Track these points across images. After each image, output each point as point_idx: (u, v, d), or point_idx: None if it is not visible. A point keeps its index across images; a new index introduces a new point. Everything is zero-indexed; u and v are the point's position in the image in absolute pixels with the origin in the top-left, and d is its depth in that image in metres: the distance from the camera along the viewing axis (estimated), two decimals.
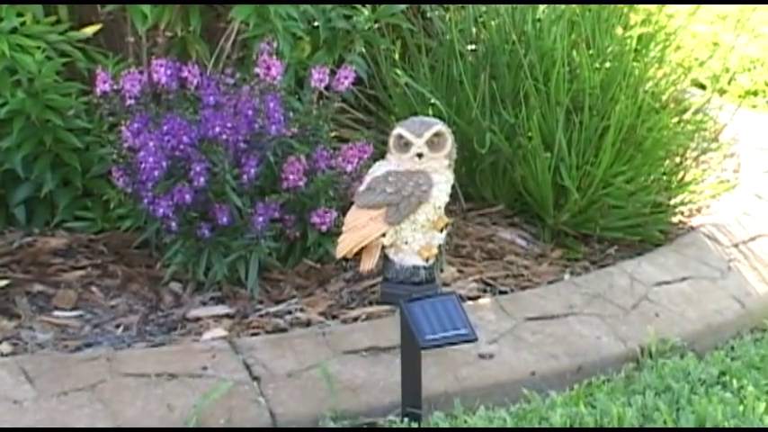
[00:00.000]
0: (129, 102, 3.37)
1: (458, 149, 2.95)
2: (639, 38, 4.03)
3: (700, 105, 4.19)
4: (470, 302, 3.35)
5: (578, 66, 3.88)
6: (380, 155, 3.02)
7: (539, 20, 4.02)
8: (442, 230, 2.91)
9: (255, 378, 2.97)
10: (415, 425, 2.87)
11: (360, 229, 2.87)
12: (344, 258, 3.02)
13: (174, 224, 3.29)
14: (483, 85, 3.89)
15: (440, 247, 2.93)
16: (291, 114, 3.52)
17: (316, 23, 3.88)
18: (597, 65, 3.91)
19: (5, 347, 3.12)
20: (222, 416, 2.86)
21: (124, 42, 3.74)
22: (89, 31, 3.67)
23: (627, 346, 3.27)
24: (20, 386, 2.87)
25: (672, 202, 4.00)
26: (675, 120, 4.07)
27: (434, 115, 3.77)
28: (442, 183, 2.88)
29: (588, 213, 3.83)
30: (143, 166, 3.25)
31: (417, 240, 2.88)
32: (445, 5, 4.24)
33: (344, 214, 2.96)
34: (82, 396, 2.86)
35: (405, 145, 2.86)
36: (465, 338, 2.86)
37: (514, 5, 4.01)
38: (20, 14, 3.51)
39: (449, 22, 4.10)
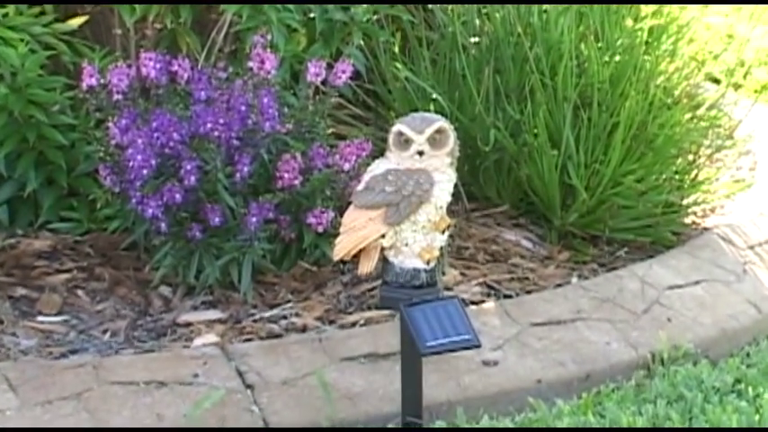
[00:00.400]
0: (116, 97, 3.38)
1: (460, 147, 2.95)
2: (651, 30, 4.03)
3: (714, 101, 4.19)
4: (473, 307, 3.36)
5: (587, 59, 3.89)
6: (379, 152, 3.03)
7: (545, 11, 4.03)
8: (443, 232, 2.91)
9: (249, 386, 2.98)
10: None
11: (358, 231, 2.87)
12: (342, 261, 3.02)
13: (163, 225, 3.29)
14: (487, 80, 3.89)
15: (441, 249, 2.94)
16: (286, 110, 3.52)
17: (312, 15, 3.88)
18: (606, 58, 3.92)
19: None
20: (214, 425, 2.86)
21: (111, 35, 3.74)
22: (75, 23, 3.68)
23: (637, 353, 3.28)
24: (2, 394, 2.88)
25: (684, 202, 4.01)
26: (688, 116, 4.07)
27: (436, 111, 3.77)
28: (444, 182, 2.88)
29: (597, 214, 3.84)
30: (131, 164, 3.25)
31: (418, 242, 2.88)
32: None
33: (342, 215, 2.97)
34: (67, 405, 2.87)
35: (405, 142, 2.87)
36: (468, 345, 2.86)
37: None
38: (2, 5, 3.51)
39: (451, 14, 4.10)
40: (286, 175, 3.35)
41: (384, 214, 2.86)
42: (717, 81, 4.74)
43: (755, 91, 5.58)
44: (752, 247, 3.90)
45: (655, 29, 4.07)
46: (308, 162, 3.41)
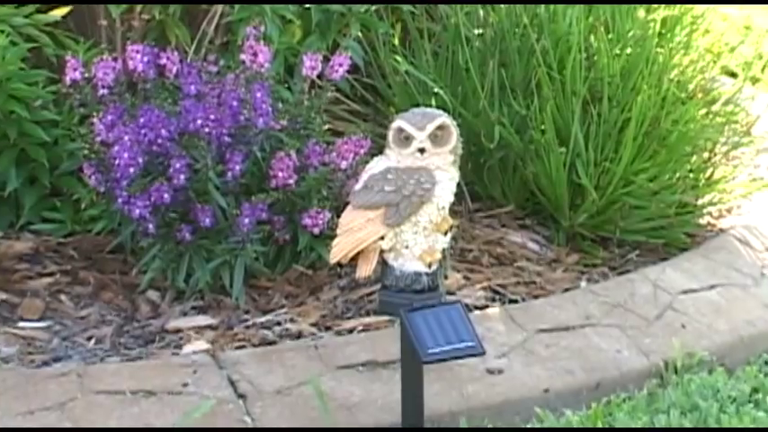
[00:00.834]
0: (101, 91, 3.38)
1: (464, 144, 2.95)
2: (664, 21, 4.04)
3: (730, 95, 4.20)
4: (477, 312, 3.36)
5: (596, 52, 3.89)
6: (378, 150, 3.03)
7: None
8: (446, 233, 2.92)
9: (241, 395, 2.98)
10: None
11: (356, 232, 2.88)
12: (339, 264, 3.02)
13: (151, 226, 3.30)
14: (491, 74, 3.90)
15: (444, 251, 2.94)
16: (280, 105, 3.53)
17: (307, 5, 3.88)
18: (617, 51, 3.92)
19: None
20: None
21: (96, 26, 3.75)
22: (58, 13, 3.68)
23: (650, 361, 3.28)
24: None
25: (699, 202, 4.01)
26: (703, 111, 4.08)
27: (438, 106, 3.78)
28: (446, 181, 2.88)
29: (607, 214, 3.84)
30: (117, 162, 3.25)
31: (419, 244, 2.89)
32: None
33: (339, 215, 2.97)
34: (50, 415, 2.87)
35: (405, 139, 2.87)
36: (471, 352, 2.86)
37: None
38: None
39: (454, 5, 4.10)
40: (280, 174, 3.35)
41: (383, 215, 2.86)
42: (733, 75, 4.75)
43: None
44: None
45: (668, 20, 4.07)
46: (304, 160, 3.41)
